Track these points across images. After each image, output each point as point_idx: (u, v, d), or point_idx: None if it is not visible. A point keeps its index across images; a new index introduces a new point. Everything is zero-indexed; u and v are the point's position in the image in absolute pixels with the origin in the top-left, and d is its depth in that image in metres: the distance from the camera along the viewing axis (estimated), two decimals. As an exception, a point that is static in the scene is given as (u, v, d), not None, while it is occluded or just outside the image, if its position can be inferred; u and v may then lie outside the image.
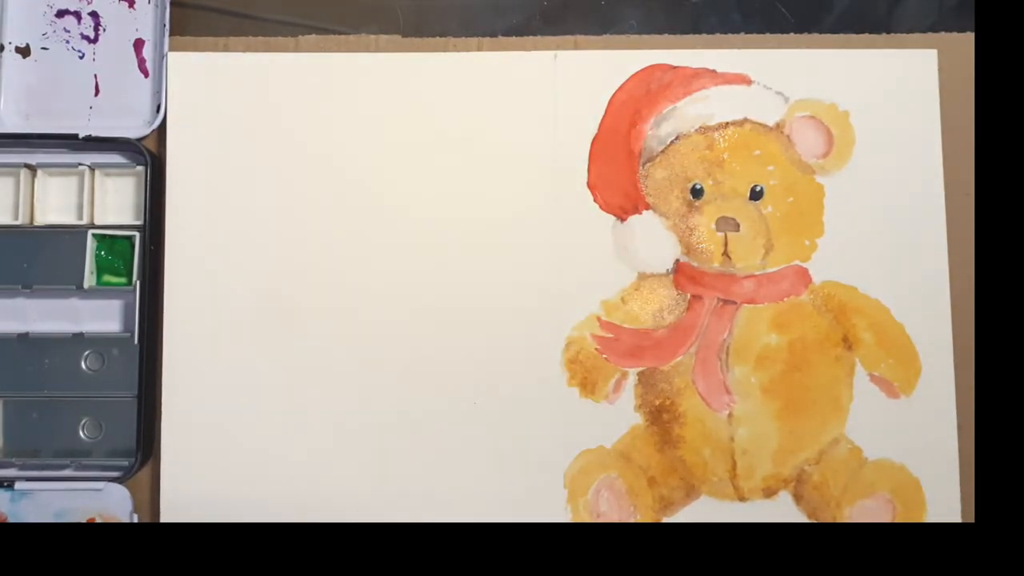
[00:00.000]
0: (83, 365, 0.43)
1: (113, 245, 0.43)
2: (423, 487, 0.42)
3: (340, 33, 0.45)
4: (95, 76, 0.45)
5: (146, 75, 0.44)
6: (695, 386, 0.43)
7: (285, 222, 0.44)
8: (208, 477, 0.43)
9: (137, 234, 0.43)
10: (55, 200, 0.44)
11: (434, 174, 0.44)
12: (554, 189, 0.44)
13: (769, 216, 0.44)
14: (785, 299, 0.43)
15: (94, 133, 0.43)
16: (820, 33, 0.45)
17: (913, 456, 0.43)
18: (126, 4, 0.45)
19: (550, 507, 0.43)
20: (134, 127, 0.44)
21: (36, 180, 0.44)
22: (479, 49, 0.44)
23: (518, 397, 0.43)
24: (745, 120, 0.44)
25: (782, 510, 0.43)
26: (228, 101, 0.44)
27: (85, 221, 0.43)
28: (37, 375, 0.43)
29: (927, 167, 0.44)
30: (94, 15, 0.45)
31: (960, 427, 0.43)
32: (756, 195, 0.44)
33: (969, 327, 0.43)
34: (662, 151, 0.44)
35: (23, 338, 0.43)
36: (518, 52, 0.44)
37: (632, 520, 0.43)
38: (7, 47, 0.44)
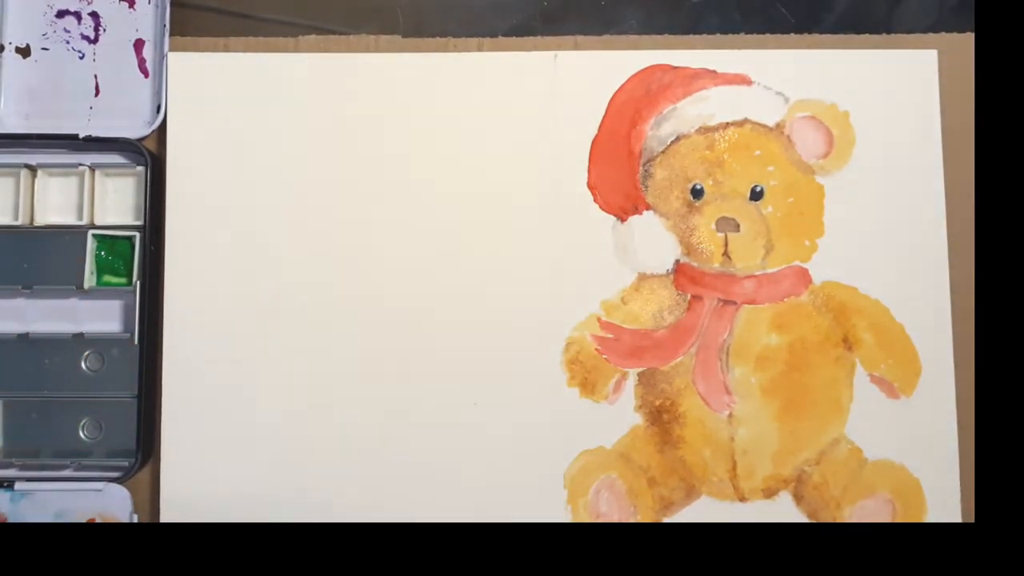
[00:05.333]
0: (83, 365, 0.43)
1: (113, 245, 0.43)
2: (423, 487, 0.42)
3: (340, 33, 0.45)
4: (95, 76, 0.45)
5: (146, 75, 0.44)
6: (695, 386, 0.43)
7: (285, 222, 0.44)
8: (208, 477, 0.43)
9: (137, 234, 0.43)
10: (55, 200, 0.44)
11: (434, 174, 0.44)
12: (554, 189, 0.44)
13: (769, 216, 0.44)
14: (785, 299, 0.43)
15: (94, 133, 0.43)
16: (820, 33, 0.45)
17: (913, 456, 0.43)
18: (126, 4, 0.45)
19: (550, 507, 0.43)
20: (134, 127, 0.44)
21: (36, 180, 0.44)
22: (479, 49, 0.44)
23: (518, 397, 0.43)
24: (745, 120, 0.44)
25: (782, 510, 0.43)
26: (228, 101, 0.44)
27: (85, 221, 0.43)
28: (37, 375, 0.43)
29: (927, 167, 0.44)
30: (94, 15, 0.45)
31: (960, 427, 0.43)
32: (756, 195, 0.44)
33: (969, 327, 0.43)
34: (662, 151, 0.44)
35: (23, 338, 0.43)
36: (518, 52, 0.44)
37: (632, 520, 0.43)
38: (7, 47, 0.44)
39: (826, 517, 0.43)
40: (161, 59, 0.44)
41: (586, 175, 0.44)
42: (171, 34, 0.44)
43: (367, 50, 0.44)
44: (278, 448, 0.43)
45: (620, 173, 0.44)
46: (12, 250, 0.43)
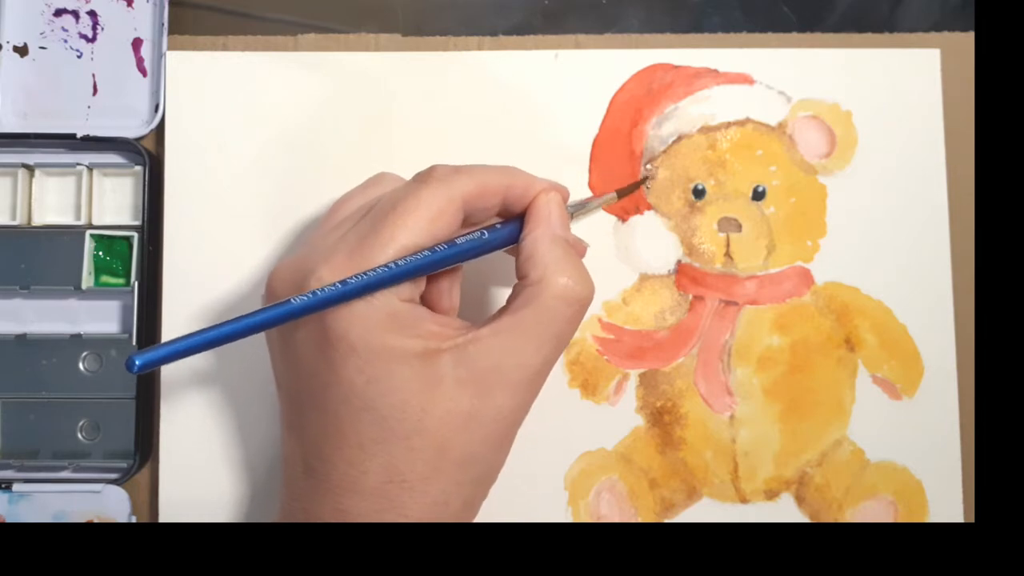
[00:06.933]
0: (81, 366, 0.43)
1: (111, 246, 0.43)
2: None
3: (340, 32, 0.45)
4: (93, 75, 0.44)
5: (144, 74, 0.44)
6: (697, 388, 0.43)
7: (285, 222, 0.43)
8: (208, 479, 0.42)
9: (135, 235, 0.43)
10: (53, 200, 0.44)
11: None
12: (555, 189, 0.43)
13: (771, 217, 0.43)
14: (787, 300, 0.43)
15: (92, 133, 0.43)
16: (823, 32, 0.44)
17: (916, 458, 0.42)
18: (124, 3, 0.44)
19: (551, 509, 0.42)
20: (132, 127, 0.44)
21: (34, 180, 0.43)
22: (479, 48, 0.44)
23: (519, 398, 0.42)
24: (747, 120, 0.44)
25: (784, 512, 0.43)
26: (227, 100, 0.44)
27: (83, 221, 0.43)
28: (35, 376, 0.43)
29: (930, 167, 0.43)
30: (92, 14, 0.44)
31: (963, 429, 0.42)
32: (758, 195, 0.43)
33: (972, 328, 0.43)
34: (664, 151, 0.44)
35: (21, 339, 0.43)
36: (519, 51, 0.44)
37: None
38: (5, 46, 0.44)
39: (828, 519, 0.42)
40: (159, 58, 0.44)
41: (587, 175, 0.44)
42: (169, 33, 0.44)
43: (367, 49, 0.44)
44: (277, 449, 0.42)
45: (621, 173, 0.43)
46: (9, 250, 0.43)
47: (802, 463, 0.43)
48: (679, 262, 0.43)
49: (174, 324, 0.43)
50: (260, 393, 0.43)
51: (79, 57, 0.44)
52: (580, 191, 0.43)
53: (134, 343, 0.42)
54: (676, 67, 0.44)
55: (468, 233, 0.35)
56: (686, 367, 0.43)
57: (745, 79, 0.44)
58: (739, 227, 0.43)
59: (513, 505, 0.42)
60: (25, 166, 0.43)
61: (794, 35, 0.44)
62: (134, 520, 0.42)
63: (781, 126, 0.44)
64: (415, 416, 0.33)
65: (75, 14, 0.45)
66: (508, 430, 0.35)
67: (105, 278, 0.43)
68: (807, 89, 0.44)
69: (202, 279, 0.43)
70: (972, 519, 0.42)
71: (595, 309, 0.43)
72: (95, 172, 0.43)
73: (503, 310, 0.35)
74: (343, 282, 0.32)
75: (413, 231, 0.33)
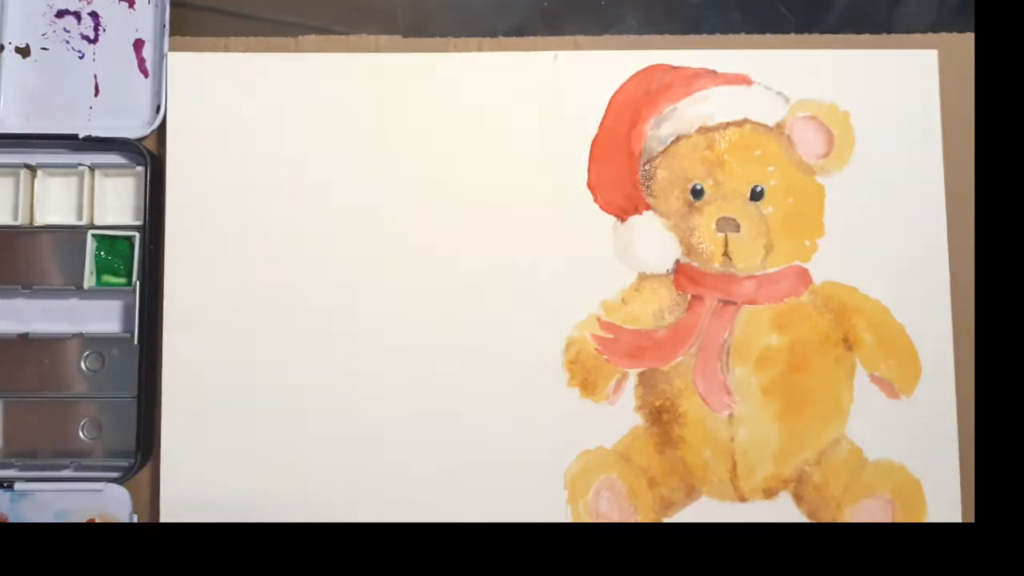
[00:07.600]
0: (83, 366, 0.43)
1: (113, 245, 0.43)
2: (423, 487, 0.42)
3: (340, 33, 0.45)
4: (95, 76, 0.44)
5: (146, 75, 0.44)
6: (695, 387, 0.43)
7: (285, 222, 0.43)
8: (208, 478, 0.43)
9: (137, 234, 0.43)
10: (55, 200, 0.44)
11: (434, 175, 0.44)
12: (554, 189, 0.43)
13: (769, 216, 0.44)
14: (785, 299, 0.43)
15: (94, 133, 0.43)
16: (820, 33, 0.45)
17: (914, 457, 0.43)
18: (126, 4, 0.45)
19: (550, 508, 0.42)
20: (134, 127, 0.44)
21: (36, 180, 0.44)
22: (479, 49, 0.44)
23: (518, 397, 0.43)
24: (745, 120, 0.44)
25: (782, 511, 0.43)
26: (228, 101, 0.44)
27: (85, 221, 0.43)
28: (37, 375, 0.43)
29: (928, 167, 0.44)
30: (94, 15, 0.45)
31: (961, 428, 0.43)
32: (756, 195, 0.44)
33: (969, 327, 0.43)
34: (662, 151, 0.44)
35: (23, 338, 0.43)
36: (518, 52, 0.44)
37: (632, 521, 0.43)
38: (7, 47, 0.44)
39: (826, 517, 0.43)
40: (161, 59, 0.44)
41: (586, 175, 0.44)
42: (171, 34, 0.44)
43: (367, 50, 0.44)
44: (278, 448, 0.43)
45: (620, 173, 0.44)
46: (11, 250, 0.43)
47: (800, 462, 0.43)
48: (678, 262, 0.44)
49: (176, 323, 0.43)
50: (261, 392, 0.43)
51: (81, 58, 0.45)
52: (580, 191, 0.43)
53: (135, 342, 0.42)
54: (674, 68, 0.44)
55: None
56: (685, 366, 0.43)
57: (743, 80, 0.44)
58: (737, 227, 0.43)
59: (513, 504, 0.42)
60: (27, 166, 0.43)
61: (792, 36, 0.45)
62: (135, 519, 0.42)
63: (779, 126, 0.44)
64: None
65: (77, 15, 0.45)
66: None
67: (107, 278, 0.43)
68: (805, 90, 0.44)
69: (203, 278, 0.43)
70: (970, 517, 0.42)
71: (594, 308, 0.43)
72: (97, 172, 0.44)
73: None
74: None
75: None
